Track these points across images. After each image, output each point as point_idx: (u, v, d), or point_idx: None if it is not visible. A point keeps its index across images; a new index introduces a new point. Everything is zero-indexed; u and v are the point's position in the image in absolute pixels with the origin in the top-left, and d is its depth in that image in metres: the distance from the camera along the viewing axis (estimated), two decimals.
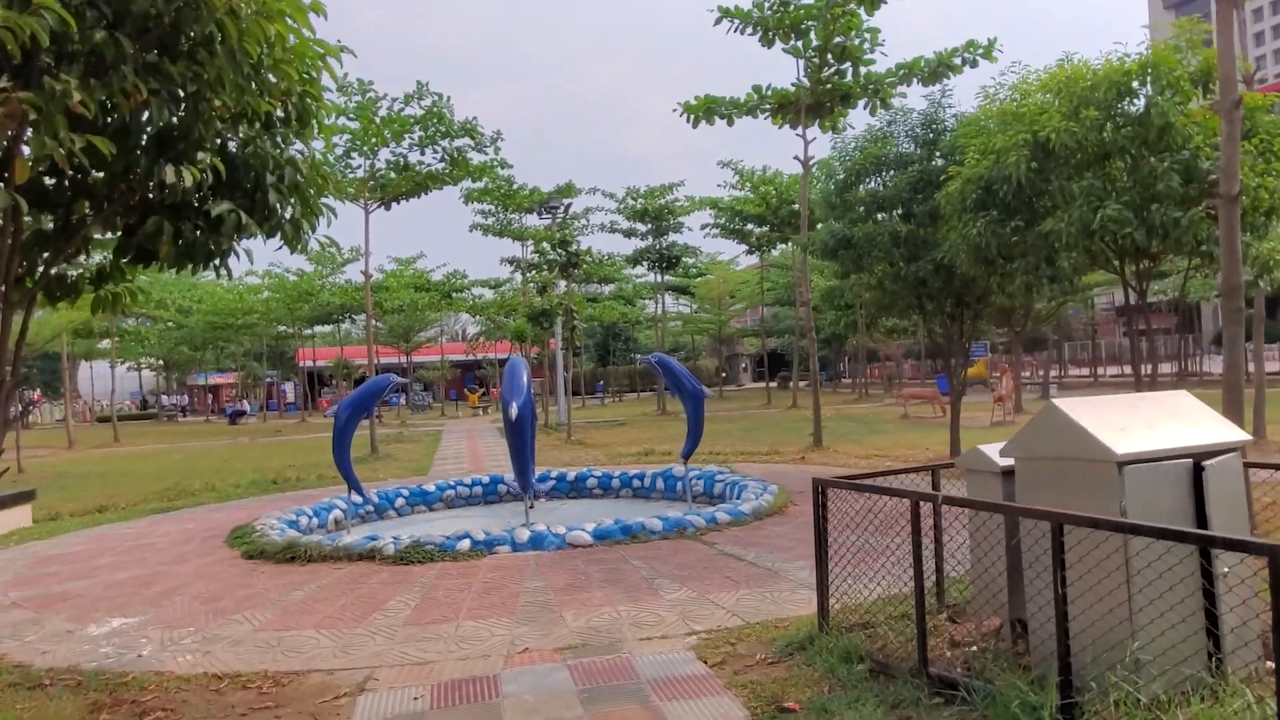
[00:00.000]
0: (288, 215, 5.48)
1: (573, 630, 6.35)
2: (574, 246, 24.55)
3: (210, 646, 6.41)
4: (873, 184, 14.25)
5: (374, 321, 52.00)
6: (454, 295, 46.92)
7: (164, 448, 30.47)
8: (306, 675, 5.71)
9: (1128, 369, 50.60)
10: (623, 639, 6.10)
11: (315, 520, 11.91)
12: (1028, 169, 9.86)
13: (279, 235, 5.48)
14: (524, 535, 9.01)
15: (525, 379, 9.87)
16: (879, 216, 13.89)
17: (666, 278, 43.76)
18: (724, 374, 67.92)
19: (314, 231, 5.79)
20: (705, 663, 5.55)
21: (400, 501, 13.42)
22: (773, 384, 62.20)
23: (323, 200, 5.82)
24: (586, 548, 8.99)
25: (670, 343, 75.21)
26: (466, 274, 45.21)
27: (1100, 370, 48.45)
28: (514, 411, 9.40)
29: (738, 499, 11.70)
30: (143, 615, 7.33)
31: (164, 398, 69.74)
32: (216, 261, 5.34)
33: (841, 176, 14.33)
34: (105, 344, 55.29)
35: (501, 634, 6.35)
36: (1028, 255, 9.59)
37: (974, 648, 5.18)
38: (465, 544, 8.90)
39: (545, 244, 30.06)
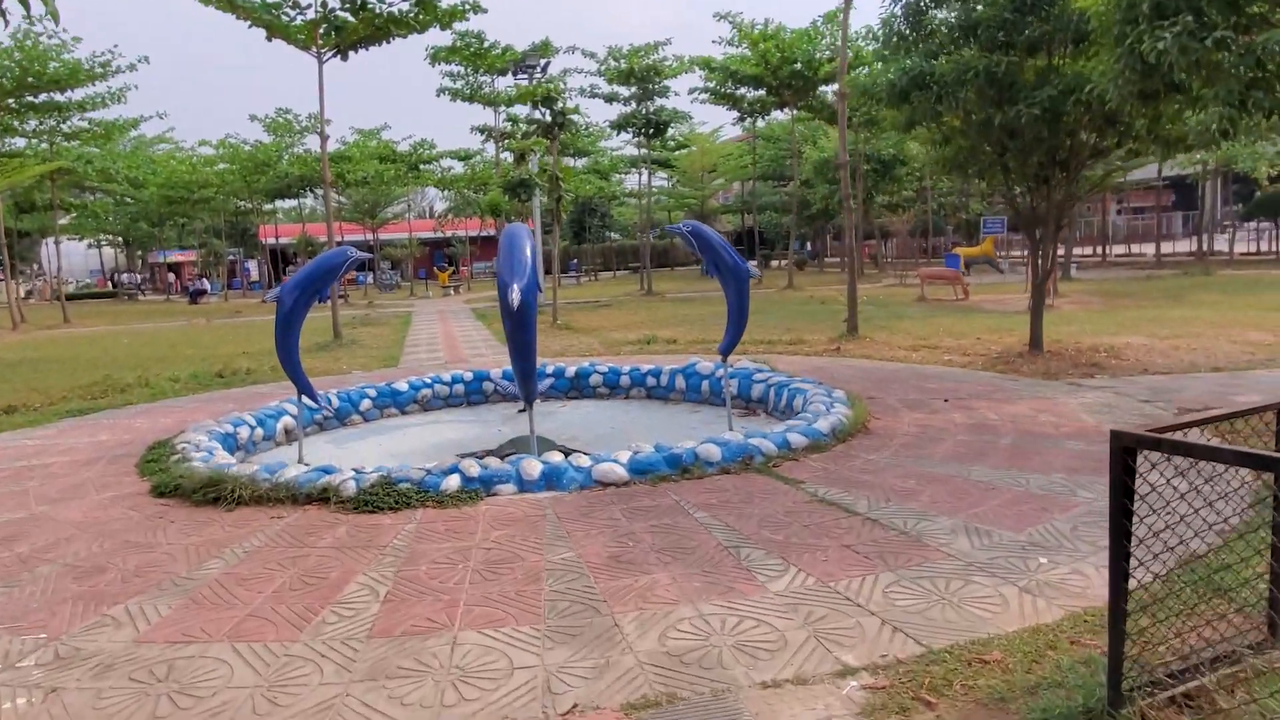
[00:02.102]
0: None
1: (641, 660, 3.92)
2: (559, 104, 21.45)
3: (59, 676, 3.95)
4: (951, 10, 11.37)
5: (338, 197, 48.59)
6: (421, 168, 43.44)
7: (115, 329, 27.63)
8: None
9: (1133, 248, 48.46)
10: (732, 684, 3.68)
11: (259, 431, 9.38)
12: None
13: None
14: (534, 469, 6.52)
15: (529, 253, 7.24)
16: (964, 50, 11.08)
17: (647, 151, 40.51)
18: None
19: None
20: None
21: (366, 404, 10.89)
22: (752, 262, 59.84)
23: None
24: (621, 487, 6.54)
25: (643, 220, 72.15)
26: (435, 144, 41.65)
27: (1103, 249, 46.13)
28: (515, 297, 6.81)
29: (797, 408, 9.27)
30: None
31: (124, 276, 66.22)
32: None
33: None
34: (65, 220, 51.80)
35: (527, 664, 3.92)
36: (1228, 79, 6.97)
37: None
38: (454, 481, 6.42)
39: (524, 105, 26.83)
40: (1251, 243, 44.46)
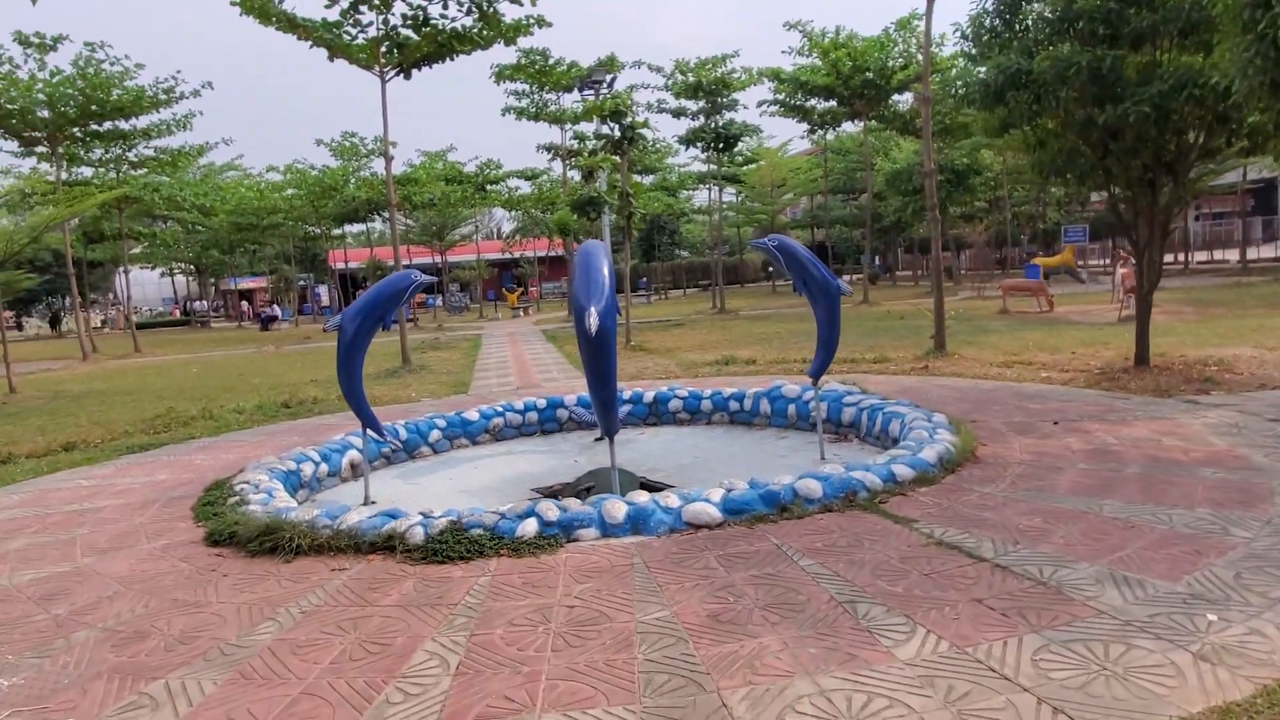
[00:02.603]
0: None
1: None
2: (629, 118, 20.97)
3: None
4: (1048, 3, 10.59)
5: (405, 219, 48.86)
6: (488, 188, 43.42)
7: (184, 358, 27.85)
8: None
9: (1214, 255, 46.36)
10: None
11: (324, 466, 8.96)
12: None
13: None
14: (618, 511, 5.93)
15: (606, 272, 6.68)
16: (1061, 45, 10.29)
17: (716, 166, 39.88)
18: (770, 269, 64.25)
19: None
20: None
21: (435, 435, 10.43)
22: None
23: None
24: (714, 529, 5.91)
25: (713, 236, 71.44)
26: (501, 164, 41.57)
27: (1184, 256, 44.18)
28: (593, 322, 6.25)
29: (893, 434, 8.56)
30: (2, 678, 4.39)
31: (196, 303, 67.61)
32: None
33: None
34: (137, 250, 53.01)
35: None
36: None
37: None
38: (531, 526, 5.85)
39: (591, 121, 26.45)
40: None
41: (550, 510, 5.94)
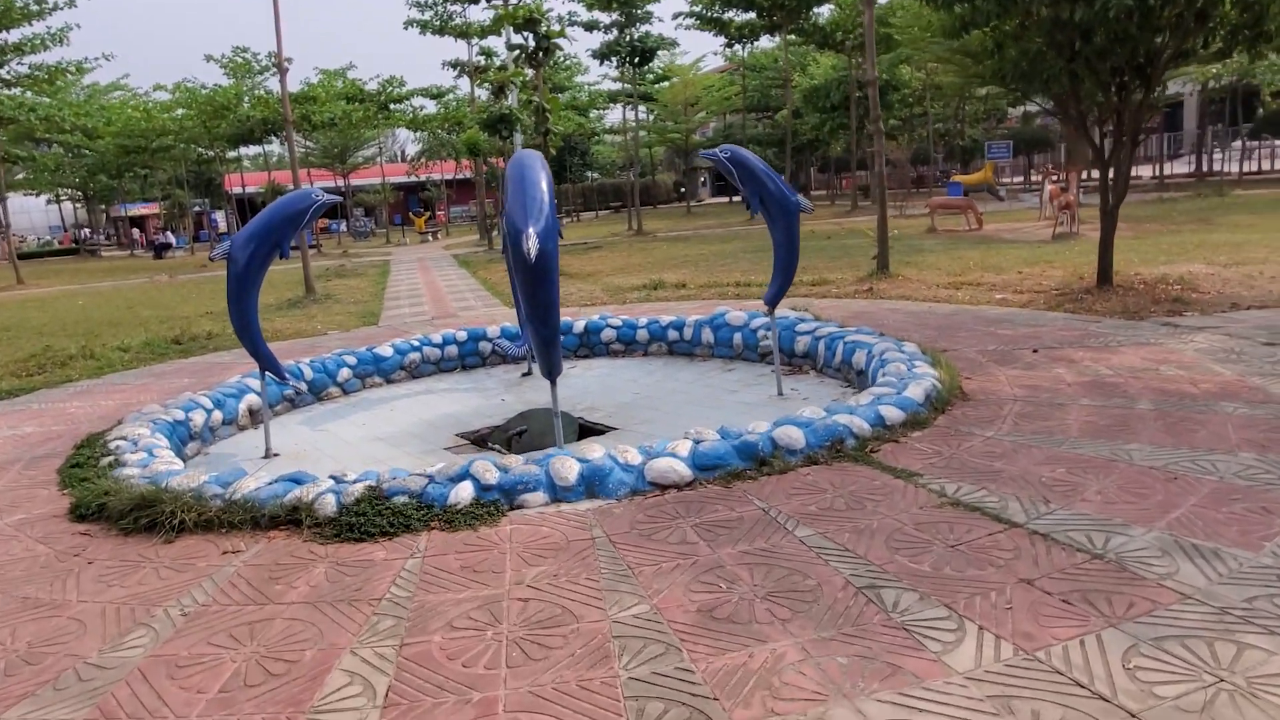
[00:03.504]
0: None
1: None
2: (543, 27, 19.47)
3: None
4: None
5: (304, 141, 46.23)
6: (392, 107, 41.08)
7: (70, 289, 25.71)
8: None
9: (1154, 169, 46.81)
10: None
11: (218, 414, 7.79)
12: None
13: None
14: (569, 471, 4.96)
15: (545, 186, 5.61)
16: None
17: (627, 85, 38.34)
18: (683, 189, 63.19)
19: None
20: None
21: (345, 373, 9.29)
22: (736, 199, 57.74)
23: None
24: (684, 489, 5.01)
25: (624, 157, 69.79)
26: (404, 82, 39.26)
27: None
28: (533, 246, 5.20)
29: (858, 365, 7.76)
30: None
31: (84, 231, 63.63)
32: None
33: None
34: (20, 175, 49.13)
35: None
36: None
37: None
38: (465, 491, 4.86)
39: (501, 32, 24.76)
40: (1253, 162, 42.86)
41: (488, 471, 4.95)
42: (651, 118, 55.53)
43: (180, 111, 38.07)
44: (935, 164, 47.82)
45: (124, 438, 6.42)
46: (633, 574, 4.00)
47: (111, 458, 6.00)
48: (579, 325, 10.33)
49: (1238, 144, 44.42)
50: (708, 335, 9.78)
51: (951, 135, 44.06)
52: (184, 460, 6.97)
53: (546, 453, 5.17)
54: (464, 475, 4.94)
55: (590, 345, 10.31)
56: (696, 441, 5.29)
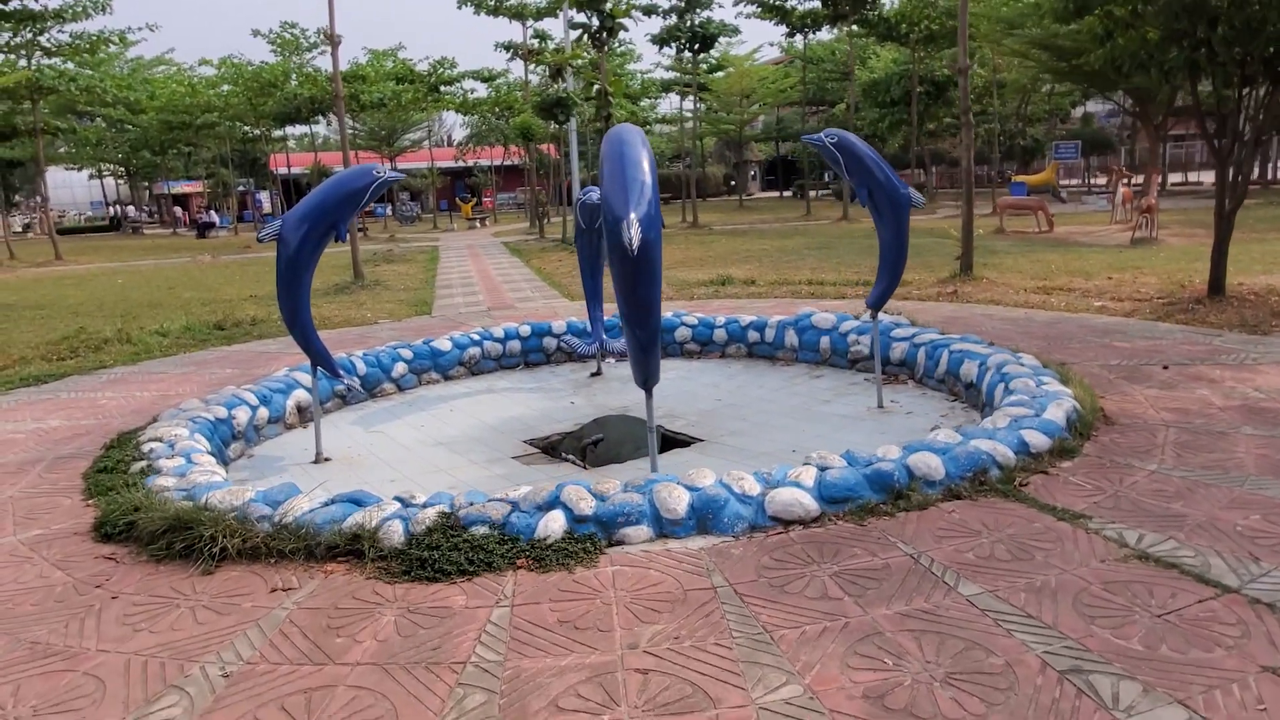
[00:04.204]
0: None
1: None
2: (608, 5, 18.69)
3: None
4: None
5: (351, 122, 45.78)
6: (442, 89, 40.50)
7: (111, 267, 25.39)
8: None
9: (1194, 176, 45.33)
10: None
11: (263, 411, 7.14)
12: None
13: None
14: (678, 502, 4.22)
15: (647, 167, 4.86)
16: None
17: (683, 74, 37.42)
18: (733, 182, 62.21)
19: None
20: None
21: (401, 368, 8.63)
22: (787, 193, 56.67)
23: None
24: (810, 525, 4.26)
25: (672, 149, 68.87)
26: (456, 63, 38.66)
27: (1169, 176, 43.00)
28: (634, 235, 4.46)
29: (965, 376, 6.96)
30: None
31: (128, 209, 63.78)
32: None
33: None
34: (62, 149, 49.17)
35: None
36: None
37: None
38: (556, 524, 4.14)
39: (558, 13, 24.02)
40: None
41: (582, 499, 4.23)
42: (704, 108, 54.63)
43: (226, 88, 37.71)
44: (994, 164, 46.48)
45: (159, 439, 5.77)
46: (772, 640, 3.26)
47: (144, 463, 5.35)
48: None
49: None
50: (791, 338, 9.00)
51: (1012, 134, 42.71)
52: (226, 463, 6.32)
53: (649, 478, 4.44)
54: (554, 503, 4.22)
55: (663, 344, 9.56)
56: (821, 468, 4.53)
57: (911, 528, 4.21)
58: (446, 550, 3.96)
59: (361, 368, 8.27)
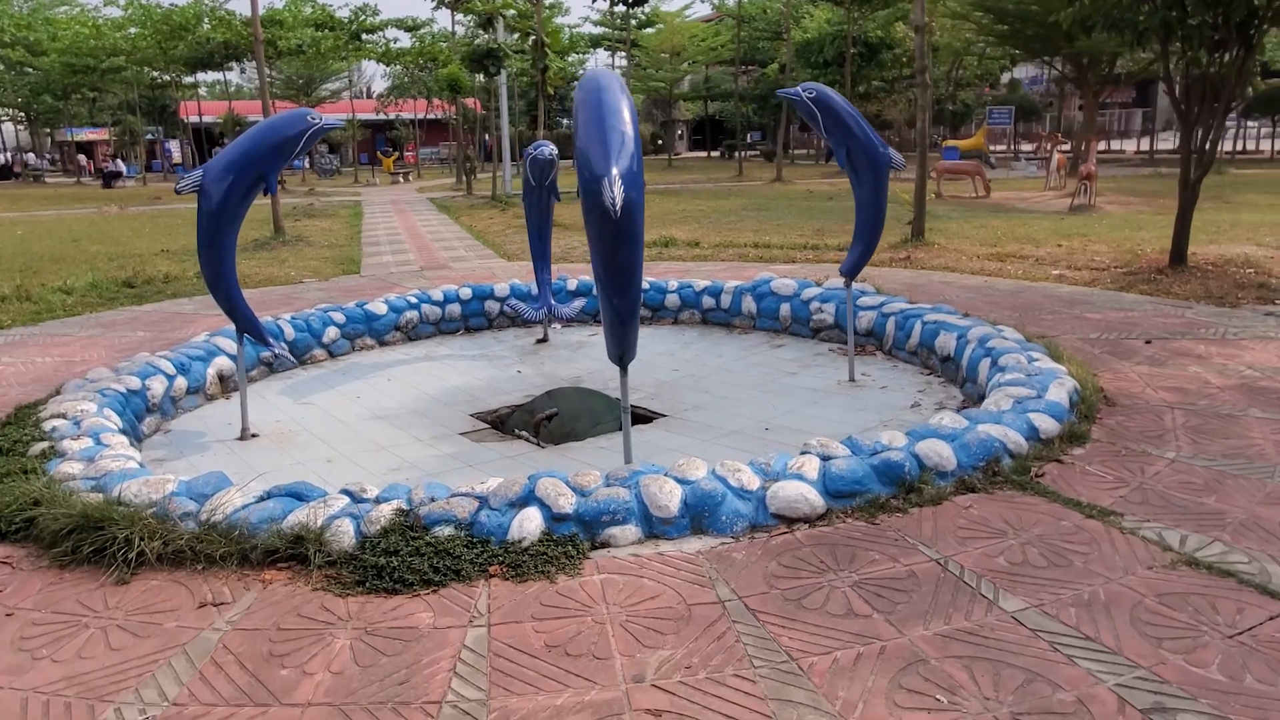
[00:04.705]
0: None
1: None
2: None
3: None
4: None
5: (267, 70, 43.75)
6: (363, 38, 38.86)
7: (9, 217, 23.72)
8: None
9: (1116, 145, 46.08)
10: None
11: (181, 381, 6.41)
12: None
13: None
14: (669, 497, 3.71)
15: (629, 117, 4.29)
16: None
17: (603, 29, 36.48)
18: (659, 141, 61.39)
19: None
20: None
21: (332, 333, 7.93)
22: (715, 154, 56.10)
23: None
24: (816, 523, 3.80)
25: None
26: (378, 10, 37.05)
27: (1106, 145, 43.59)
28: (617, 195, 3.87)
29: (942, 349, 6.60)
30: None
31: (29, 156, 60.34)
32: None
33: None
34: None
35: None
36: None
37: None
38: (532, 522, 3.60)
39: None
40: (1242, 142, 42.13)
41: (561, 494, 3.69)
42: (633, 65, 53.62)
43: (133, 30, 35.59)
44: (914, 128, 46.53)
45: (63, 415, 5.06)
46: (801, 670, 2.80)
47: (46, 444, 4.65)
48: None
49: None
50: (749, 304, 8.55)
51: (942, 99, 42.83)
52: (139, 440, 5.62)
53: (632, 469, 3.92)
54: (529, 498, 3.68)
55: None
56: (823, 458, 4.07)
57: (929, 527, 3.78)
58: (407, 555, 3.40)
59: (290, 332, 7.56)
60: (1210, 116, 9.33)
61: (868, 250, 6.69)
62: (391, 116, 50.19)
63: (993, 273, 10.57)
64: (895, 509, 3.92)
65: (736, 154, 40.76)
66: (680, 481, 3.79)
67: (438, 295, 8.69)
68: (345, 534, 3.51)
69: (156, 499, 3.71)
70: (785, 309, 8.35)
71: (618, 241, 4.13)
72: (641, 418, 6.35)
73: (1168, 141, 40.82)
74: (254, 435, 5.88)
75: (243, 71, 50.33)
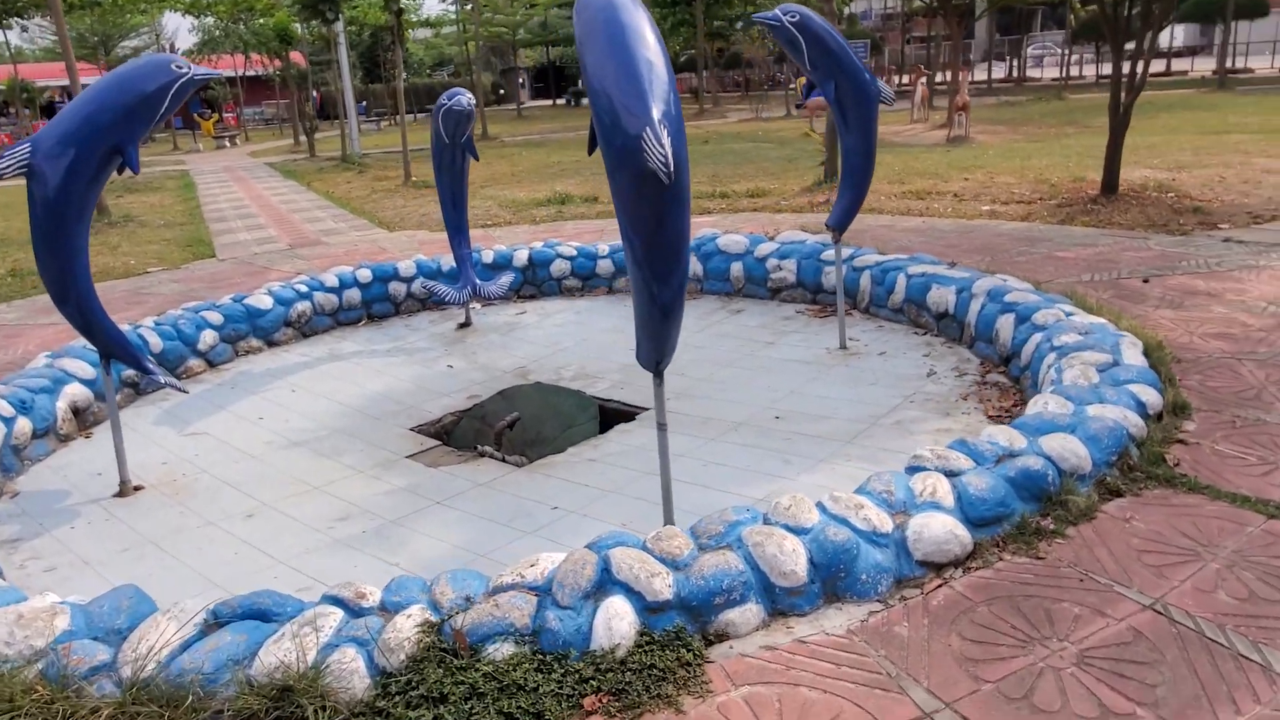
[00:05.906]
0: None
1: None
2: None
3: None
4: None
5: (53, 27, 39.37)
6: None
7: None
8: None
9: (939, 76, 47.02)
10: None
11: (23, 424, 4.95)
12: None
13: None
14: (790, 554, 2.73)
15: (654, 43, 3.17)
16: None
17: None
18: (501, 90, 59.18)
19: None
20: None
21: (209, 337, 6.50)
22: (560, 101, 54.39)
23: None
24: (972, 568, 2.90)
25: (434, 56, 64.46)
26: None
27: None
28: (665, 149, 2.79)
29: (937, 305, 5.82)
30: None
31: None
32: None
33: None
34: None
35: None
36: None
37: None
38: (622, 620, 2.54)
39: None
40: (1066, 69, 43.52)
41: (653, 574, 2.64)
42: (458, 9, 51.01)
43: None
44: (775, 66, 46.24)
45: None
46: None
47: None
48: (521, 255, 7.89)
49: (1035, 50, 45.94)
50: (694, 265, 7.59)
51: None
52: None
53: (727, 520, 2.90)
54: (606, 584, 2.63)
55: (538, 282, 7.91)
56: (950, 474, 3.17)
57: (1104, 554, 2.94)
58: (459, 702, 2.31)
59: (156, 342, 6.12)
60: (1140, 40, 8.86)
61: (857, 199, 5.82)
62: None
63: (922, 212, 9.98)
64: (1049, 532, 3.07)
65: (585, 101, 39.40)
66: (793, 531, 2.82)
67: (331, 280, 7.35)
68: (355, 674, 2.38)
69: (40, 647, 2.47)
70: (737, 268, 7.45)
71: (665, 210, 3.05)
72: (625, 414, 5.35)
73: (982, 73, 41.97)
74: (137, 488, 4.57)
75: (24, 30, 45.14)
